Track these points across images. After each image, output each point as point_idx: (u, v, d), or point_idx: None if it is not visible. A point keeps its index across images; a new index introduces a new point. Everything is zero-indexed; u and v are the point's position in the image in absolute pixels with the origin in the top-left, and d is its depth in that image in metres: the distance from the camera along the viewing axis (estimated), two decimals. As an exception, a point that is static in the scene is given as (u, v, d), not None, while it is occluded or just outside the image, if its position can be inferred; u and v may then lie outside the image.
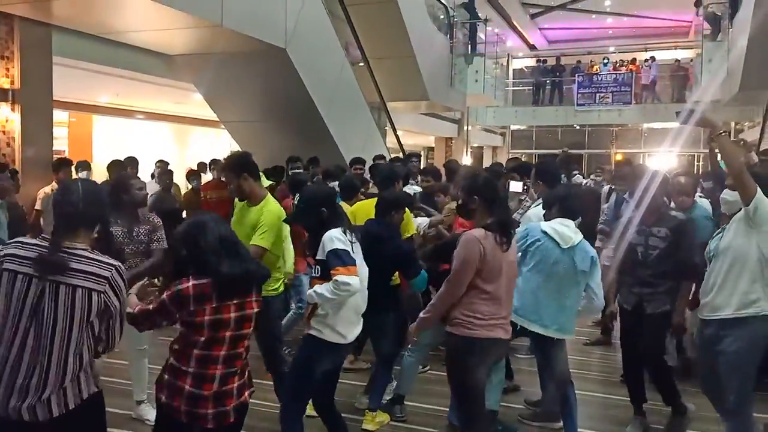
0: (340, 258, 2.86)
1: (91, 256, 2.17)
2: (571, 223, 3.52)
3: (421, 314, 3.08)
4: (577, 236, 3.47)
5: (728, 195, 3.26)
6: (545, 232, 3.49)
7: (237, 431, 2.48)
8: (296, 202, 4.04)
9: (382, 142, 10.71)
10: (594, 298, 3.51)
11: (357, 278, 2.86)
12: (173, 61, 7.67)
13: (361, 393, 4.22)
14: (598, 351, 5.63)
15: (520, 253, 3.45)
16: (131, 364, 3.97)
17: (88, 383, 2.20)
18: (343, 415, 4.05)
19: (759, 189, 2.99)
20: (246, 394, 2.47)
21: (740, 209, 3.11)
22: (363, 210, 4.47)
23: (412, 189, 5.85)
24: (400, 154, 10.66)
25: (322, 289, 2.88)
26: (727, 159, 3.10)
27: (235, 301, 2.35)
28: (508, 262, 2.95)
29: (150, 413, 3.78)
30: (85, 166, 6.92)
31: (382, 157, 7.09)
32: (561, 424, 3.93)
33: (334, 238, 2.91)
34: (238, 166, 3.61)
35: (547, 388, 4.01)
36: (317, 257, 2.97)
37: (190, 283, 2.29)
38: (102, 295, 2.13)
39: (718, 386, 3.20)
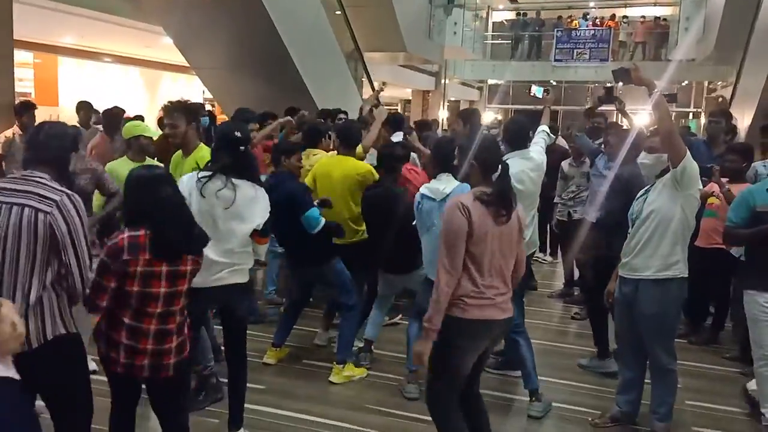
0: None
1: (45, 181, 2.21)
2: (444, 176, 3.39)
3: (424, 323, 2.53)
4: (448, 187, 3.33)
5: (647, 158, 3.25)
6: (422, 193, 3.44)
7: (177, 385, 2.54)
8: None
9: (358, 93, 10.57)
10: None
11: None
12: (140, 2, 7.39)
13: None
14: (559, 304, 5.79)
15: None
16: None
17: (54, 324, 2.20)
18: (317, 363, 4.16)
19: (688, 151, 3.01)
20: (186, 352, 2.52)
21: (660, 172, 3.16)
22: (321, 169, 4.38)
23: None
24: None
25: None
26: (659, 119, 3.07)
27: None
28: (505, 235, 2.61)
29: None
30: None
31: (345, 112, 6.90)
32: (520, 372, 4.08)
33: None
34: (191, 112, 3.57)
35: (507, 338, 4.13)
36: None
37: (125, 235, 2.33)
38: (48, 216, 2.13)
39: (636, 343, 3.32)
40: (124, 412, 2.61)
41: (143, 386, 2.55)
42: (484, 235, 2.54)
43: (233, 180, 2.94)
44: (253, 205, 3.01)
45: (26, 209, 2.13)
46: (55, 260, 2.20)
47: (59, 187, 2.21)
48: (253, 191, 3.02)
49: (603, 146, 4.92)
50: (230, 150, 2.98)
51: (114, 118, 5.90)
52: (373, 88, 11.62)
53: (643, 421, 3.45)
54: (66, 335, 2.26)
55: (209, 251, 2.79)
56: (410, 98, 19.67)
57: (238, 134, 3.01)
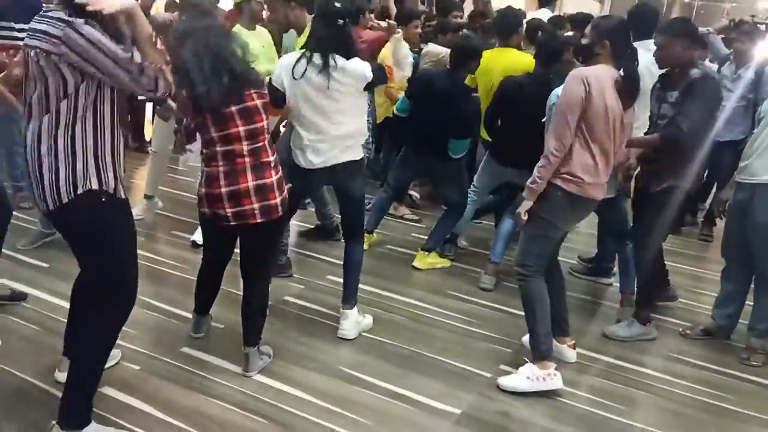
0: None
1: (51, 14, 1.87)
2: None
3: (529, 184, 2.61)
4: None
5: None
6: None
7: (275, 228, 2.55)
8: None
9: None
10: None
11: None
12: None
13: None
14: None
15: None
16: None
17: (86, 175, 1.94)
18: (402, 250, 4.22)
19: None
20: (285, 189, 2.50)
21: None
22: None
23: None
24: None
25: None
26: None
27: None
28: (622, 120, 2.60)
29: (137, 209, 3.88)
30: None
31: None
32: (611, 280, 3.95)
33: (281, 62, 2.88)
34: None
35: (602, 244, 3.97)
36: None
37: None
38: (63, 57, 1.83)
39: (744, 255, 3.11)
40: (217, 271, 2.75)
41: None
42: (604, 113, 2.49)
43: (333, 56, 2.73)
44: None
45: (41, 52, 1.85)
46: (100, 84, 1.92)
47: (65, 18, 1.83)
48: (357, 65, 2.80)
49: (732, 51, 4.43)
50: (328, 22, 2.75)
51: None
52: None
53: (739, 339, 3.28)
54: (99, 191, 1.96)
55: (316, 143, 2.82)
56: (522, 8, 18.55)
57: (337, 4, 2.73)
